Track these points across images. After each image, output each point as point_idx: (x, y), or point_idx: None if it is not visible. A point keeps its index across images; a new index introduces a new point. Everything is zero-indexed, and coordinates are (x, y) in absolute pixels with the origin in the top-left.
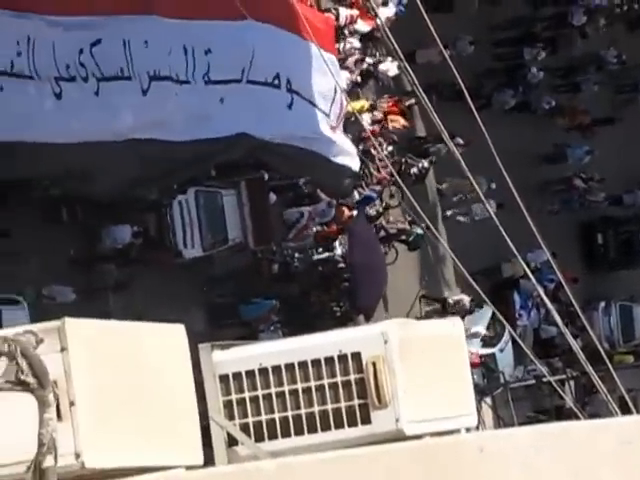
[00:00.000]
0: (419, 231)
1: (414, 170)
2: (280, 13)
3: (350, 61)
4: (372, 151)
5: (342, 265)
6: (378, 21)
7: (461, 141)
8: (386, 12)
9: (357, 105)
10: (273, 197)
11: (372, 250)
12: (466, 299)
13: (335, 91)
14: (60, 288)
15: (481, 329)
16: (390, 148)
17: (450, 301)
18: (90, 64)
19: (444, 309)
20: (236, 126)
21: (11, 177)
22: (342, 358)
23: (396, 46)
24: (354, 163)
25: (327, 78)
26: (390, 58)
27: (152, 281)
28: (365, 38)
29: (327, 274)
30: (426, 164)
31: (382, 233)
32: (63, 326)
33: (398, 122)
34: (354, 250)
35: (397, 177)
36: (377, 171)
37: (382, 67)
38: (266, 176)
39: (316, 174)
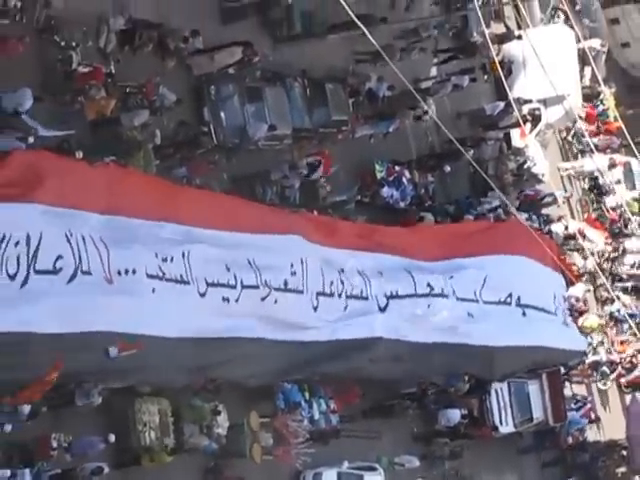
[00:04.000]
0: None
1: None
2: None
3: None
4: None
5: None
6: None
7: None
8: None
9: (588, 323)
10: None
11: None
12: None
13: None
14: (408, 457)
15: None
16: None
17: None
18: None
19: None
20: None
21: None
22: None
23: None
24: (581, 345)
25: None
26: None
27: (477, 451)
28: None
29: (609, 443)
30: None
31: None
32: None
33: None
34: (631, 424)
35: None
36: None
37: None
38: (562, 369)
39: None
